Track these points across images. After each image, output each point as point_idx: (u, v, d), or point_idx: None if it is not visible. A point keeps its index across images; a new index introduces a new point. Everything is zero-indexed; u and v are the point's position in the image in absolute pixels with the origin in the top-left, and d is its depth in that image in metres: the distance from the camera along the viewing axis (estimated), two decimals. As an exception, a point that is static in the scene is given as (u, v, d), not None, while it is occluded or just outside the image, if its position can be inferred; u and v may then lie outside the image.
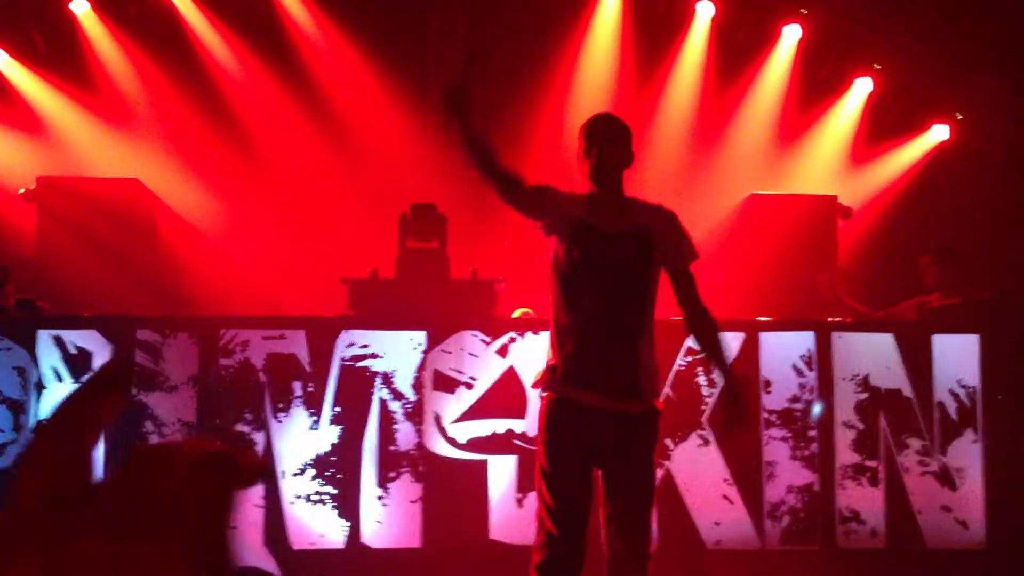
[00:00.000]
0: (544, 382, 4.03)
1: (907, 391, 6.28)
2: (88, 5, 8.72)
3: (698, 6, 9.20)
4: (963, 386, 6.33)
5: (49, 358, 5.97)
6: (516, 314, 6.83)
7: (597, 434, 3.92)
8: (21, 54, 8.75)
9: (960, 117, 9.15)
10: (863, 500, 6.20)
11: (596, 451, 3.94)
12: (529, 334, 6.10)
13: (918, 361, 6.30)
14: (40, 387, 5.95)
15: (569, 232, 3.96)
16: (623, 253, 3.94)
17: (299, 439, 5.99)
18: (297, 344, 6.07)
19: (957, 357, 6.35)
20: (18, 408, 5.95)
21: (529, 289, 6.54)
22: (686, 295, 4.06)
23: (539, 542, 3.91)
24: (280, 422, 6.00)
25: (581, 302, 3.92)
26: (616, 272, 3.93)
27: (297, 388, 6.03)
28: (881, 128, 9.35)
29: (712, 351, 4.04)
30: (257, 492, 5.85)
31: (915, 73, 9.21)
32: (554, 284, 4.02)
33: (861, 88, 9.30)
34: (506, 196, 3.99)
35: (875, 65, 9.20)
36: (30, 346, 5.97)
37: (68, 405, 2.99)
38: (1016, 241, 8.28)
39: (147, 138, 8.90)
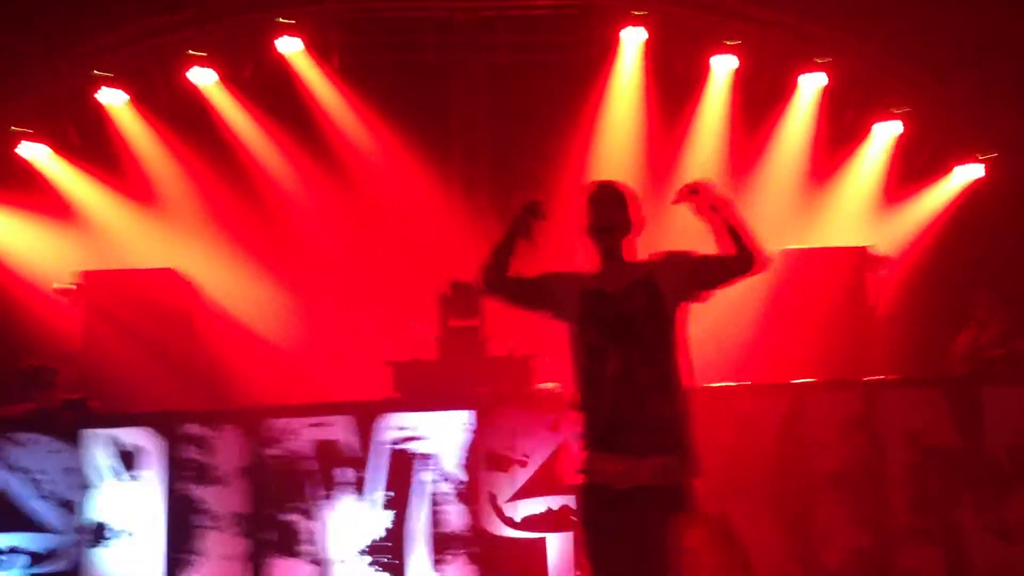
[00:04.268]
0: (580, 459, 3.93)
1: (959, 446, 6.21)
2: (124, 95, 8.79)
3: (713, 60, 9.14)
4: (1017, 438, 6.24)
5: (102, 457, 6.02)
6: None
7: (630, 517, 3.81)
8: (57, 147, 8.85)
9: (992, 156, 9.07)
10: (922, 560, 6.12)
11: (631, 534, 3.81)
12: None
13: (968, 415, 6.23)
14: (89, 487, 5.99)
15: (579, 304, 3.95)
16: (635, 306, 3.91)
17: (350, 525, 5.98)
18: (344, 430, 6.09)
19: (1008, 409, 6.27)
20: (69, 508, 6.00)
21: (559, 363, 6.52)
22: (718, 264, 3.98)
23: None
24: (330, 508, 5.99)
25: (606, 366, 3.87)
26: (633, 326, 3.89)
27: (345, 474, 6.04)
28: (911, 171, 9.29)
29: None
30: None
31: (941, 114, 9.18)
32: (577, 361, 3.97)
33: (888, 132, 9.24)
34: (512, 299, 4.08)
35: (895, 110, 9.16)
36: (79, 446, 6.03)
37: None
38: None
39: (182, 226, 8.98)
